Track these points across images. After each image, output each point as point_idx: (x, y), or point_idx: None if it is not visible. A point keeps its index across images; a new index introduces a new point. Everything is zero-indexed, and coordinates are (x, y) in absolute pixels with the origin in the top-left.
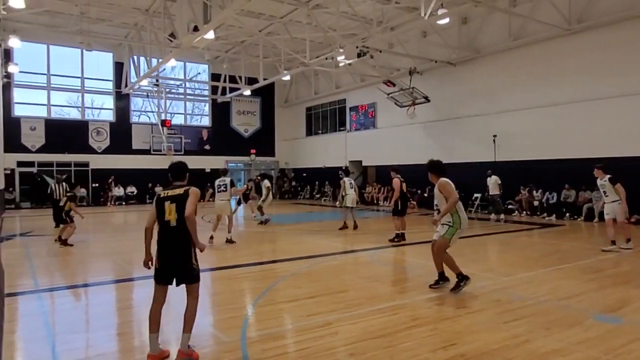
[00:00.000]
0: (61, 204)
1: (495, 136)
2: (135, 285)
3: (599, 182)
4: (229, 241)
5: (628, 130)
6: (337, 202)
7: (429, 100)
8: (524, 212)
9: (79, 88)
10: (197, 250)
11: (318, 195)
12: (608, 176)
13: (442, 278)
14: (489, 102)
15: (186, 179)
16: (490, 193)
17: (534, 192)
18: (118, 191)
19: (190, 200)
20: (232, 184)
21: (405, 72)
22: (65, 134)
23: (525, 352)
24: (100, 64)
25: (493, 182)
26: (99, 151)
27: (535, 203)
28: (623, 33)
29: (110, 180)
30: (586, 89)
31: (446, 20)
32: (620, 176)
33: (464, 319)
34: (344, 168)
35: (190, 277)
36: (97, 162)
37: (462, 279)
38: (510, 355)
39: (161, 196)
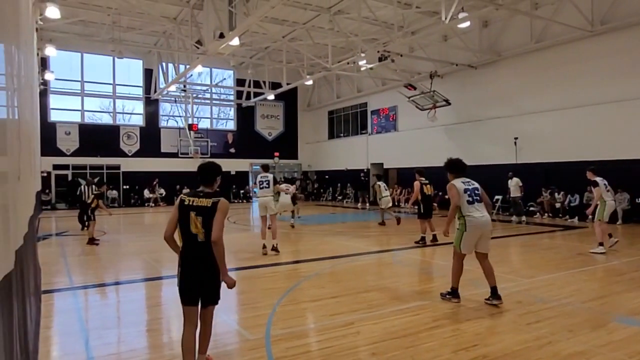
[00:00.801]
0: (88, 201)
1: (516, 138)
2: (164, 284)
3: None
4: (274, 249)
5: None
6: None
7: (449, 103)
8: (546, 214)
9: (111, 94)
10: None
11: (340, 197)
12: (593, 179)
13: (494, 294)
14: (510, 104)
15: (216, 184)
16: (512, 195)
17: (556, 194)
18: (148, 193)
19: (218, 219)
20: (276, 181)
21: (426, 75)
22: (98, 138)
23: (548, 354)
24: (130, 71)
25: (514, 185)
26: (130, 154)
27: (557, 205)
28: None
29: (154, 183)
30: (608, 91)
31: (467, 24)
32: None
33: (486, 320)
34: (376, 174)
35: (216, 297)
36: (128, 165)
37: (453, 293)
38: (533, 357)
39: (185, 203)
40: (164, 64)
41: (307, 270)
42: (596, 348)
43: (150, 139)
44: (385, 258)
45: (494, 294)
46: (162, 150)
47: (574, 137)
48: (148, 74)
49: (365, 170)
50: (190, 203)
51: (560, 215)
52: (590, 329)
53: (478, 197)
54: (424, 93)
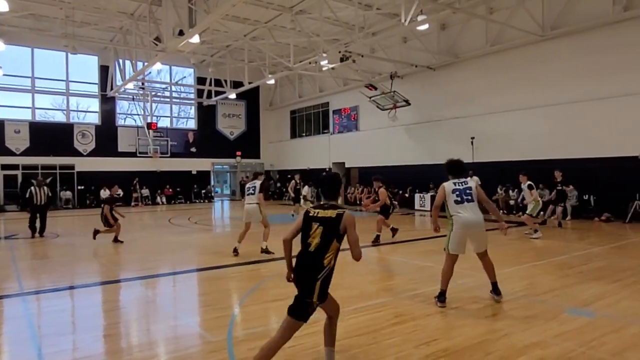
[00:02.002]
0: (40, 203)
1: (473, 138)
2: (122, 287)
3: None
4: (265, 251)
5: (599, 132)
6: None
7: (409, 104)
8: (501, 211)
9: (64, 91)
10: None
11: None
12: (528, 182)
13: (494, 289)
14: (467, 105)
15: (339, 196)
16: None
17: (510, 191)
18: (104, 193)
19: (352, 236)
20: (262, 188)
21: (386, 76)
22: (50, 137)
23: (505, 346)
24: (85, 67)
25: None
26: (85, 154)
27: (512, 202)
28: (594, 40)
29: (134, 182)
30: (559, 94)
31: (426, 26)
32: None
33: (446, 314)
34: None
35: (309, 310)
36: (83, 164)
37: (440, 296)
38: (491, 349)
39: (310, 214)
40: (120, 60)
41: (270, 270)
42: (550, 339)
43: (106, 137)
44: (347, 256)
45: (495, 289)
46: (120, 150)
47: (527, 137)
48: (104, 71)
49: (328, 169)
50: (315, 214)
51: (514, 212)
52: (544, 321)
53: (469, 197)
54: (384, 93)
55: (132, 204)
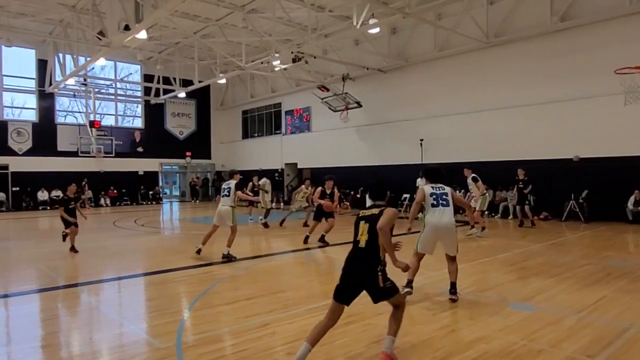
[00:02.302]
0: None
1: (422, 140)
2: (62, 294)
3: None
4: (227, 257)
5: (539, 135)
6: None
7: (361, 105)
8: None
9: None
10: (390, 266)
11: None
12: (472, 175)
13: (452, 288)
14: (417, 107)
15: (387, 197)
16: None
17: (457, 191)
18: (42, 195)
19: (385, 217)
20: (238, 188)
21: (338, 78)
22: None
23: (452, 342)
24: (21, 61)
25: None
26: (20, 153)
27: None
28: (534, 47)
29: (83, 183)
30: (503, 98)
31: (377, 30)
32: (529, 176)
33: None
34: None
35: (385, 294)
36: (18, 164)
37: (407, 283)
38: (439, 345)
39: (360, 215)
40: (60, 55)
41: (222, 272)
42: (494, 333)
43: (44, 136)
44: (300, 257)
45: (452, 288)
46: (60, 149)
47: (473, 139)
48: (42, 65)
49: (280, 170)
50: (364, 214)
51: (461, 211)
52: (488, 316)
53: (444, 202)
54: (336, 95)
55: (82, 205)
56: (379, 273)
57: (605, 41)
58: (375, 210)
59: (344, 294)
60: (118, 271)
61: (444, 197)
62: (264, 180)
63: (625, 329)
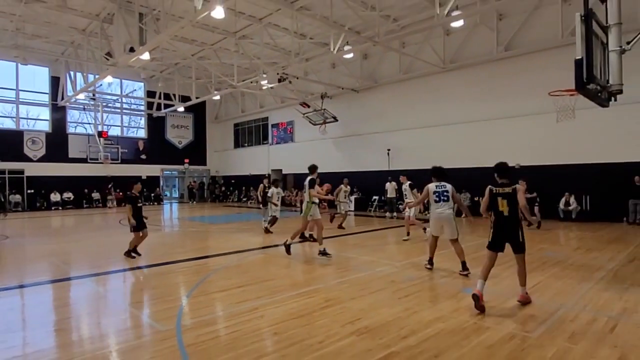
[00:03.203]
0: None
1: (389, 150)
2: (73, 285)
3: (403, 186)
4: (322, 253)
5: (488, 146)
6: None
7: (337, 120)
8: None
9: (14, 99)
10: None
11: (245, 199)
12: (408, 182)
13: (463, 267)
14: (384, 122)
15: (511, 176)
16: (388, 196)
17: (419, 194)
18: (55, 197)
19: (521, 196)
20: (311, 185)
21: (318, 96)
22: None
23: (415, 321)
24: (36, 78)
25: (391, 187)
26: (35, 159)
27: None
28: (483, 72)
29: (110, 186)
30: (457, 114)
31: (351, 55)
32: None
33: (367, 298)
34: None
35: (519, 248)
36: (33, 169)
37: (429, 261)
38: (404, 324)
39: (494, 192)
40: (72, 72)
41: (216, 264)
42: (449, 314)
43: (57, 144)
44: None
45: (463, 267)
46: (70, 156)
47: (433, 149)
48: (55, 81)
49: (267, 175)
50: (497, 192)
51: (421, 211)
52: (445, 299)
53: (446, 198)
54: (316, 110)
55: (109, 205)
56: (520, 231)
57: (542, 67)
58: (508, 189)
59: (497, 246)
60: (123, 264)
61: (445, 193)
62: (272, 190)
63: (557, 308)
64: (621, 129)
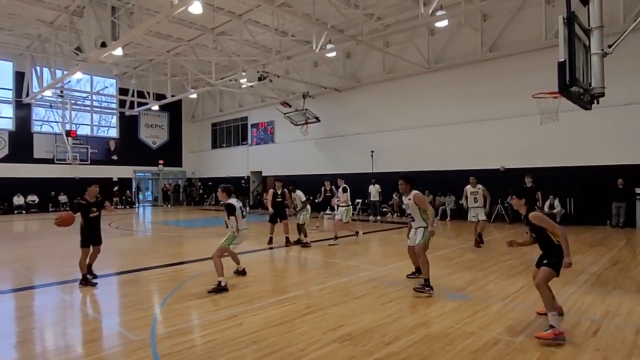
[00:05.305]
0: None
1: (372, 151)
2: (37, 293)
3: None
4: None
5: (471, 148)
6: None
7: (319, 120)
8: (395, 214)
9: None
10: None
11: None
12: (343, 185)
13: (418, 271)
14: (367, 123)
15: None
16: (372, 199)
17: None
18: (18, 200)
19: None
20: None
21: (299, 95)
22: None
23: (398, 327)
24: None
25: (375, 190)
26: None
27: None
28: (467, 73)
29: (116, 189)
30: (442, 115)
31: (333, 54)
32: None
33: (350, 304)
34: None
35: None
36: None
37: (427, 284)
38: (387, 330)
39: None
40: (38, 67)
41: (192, 270)
42: (433, 319)
43: (21, 143)
44: (265, 255)
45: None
46: (36, 156)
47: (416, 151)
48: (19, 77)
49: (246, 177)
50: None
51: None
52: (428, 304)
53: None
54: (297, 110)
55: (119, 206)
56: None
57: (525, 69)
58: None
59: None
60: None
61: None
62: (299, 194)
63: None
64: (604, 131)
